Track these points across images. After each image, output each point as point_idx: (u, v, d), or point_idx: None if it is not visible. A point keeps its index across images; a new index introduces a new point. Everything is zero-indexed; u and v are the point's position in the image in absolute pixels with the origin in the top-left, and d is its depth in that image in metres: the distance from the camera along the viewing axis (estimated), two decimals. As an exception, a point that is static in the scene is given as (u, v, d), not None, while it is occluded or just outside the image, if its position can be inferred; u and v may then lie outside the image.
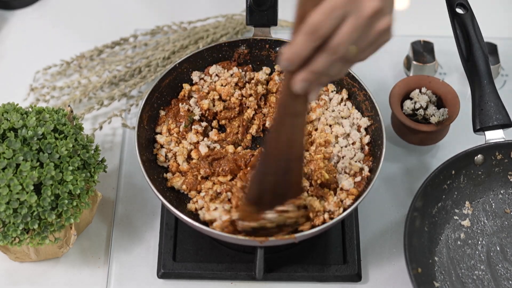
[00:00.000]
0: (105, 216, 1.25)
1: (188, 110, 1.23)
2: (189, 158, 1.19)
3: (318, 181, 1.13)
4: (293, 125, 0.99)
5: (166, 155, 1.19)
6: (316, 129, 1.21)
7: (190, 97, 1.24)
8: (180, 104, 1.23)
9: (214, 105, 1.24)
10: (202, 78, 1.26)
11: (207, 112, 1.23)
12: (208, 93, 1.24)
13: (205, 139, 1.21)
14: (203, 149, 1.18)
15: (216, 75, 1.26)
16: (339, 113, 1.23)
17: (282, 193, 1.06)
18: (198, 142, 1.20)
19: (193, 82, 1.26)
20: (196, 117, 1.22)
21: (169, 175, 1.17)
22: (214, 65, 1.26)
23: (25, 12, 1.52)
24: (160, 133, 1.22)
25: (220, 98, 1.24)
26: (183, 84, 1.25)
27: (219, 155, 1.17)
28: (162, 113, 1.23)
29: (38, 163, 1.07)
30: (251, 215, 1.06)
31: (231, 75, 1.26)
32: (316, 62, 0.88)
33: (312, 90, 0.93)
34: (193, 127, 1.22)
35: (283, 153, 1.02)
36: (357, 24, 0.85)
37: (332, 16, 0.85)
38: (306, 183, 1.14)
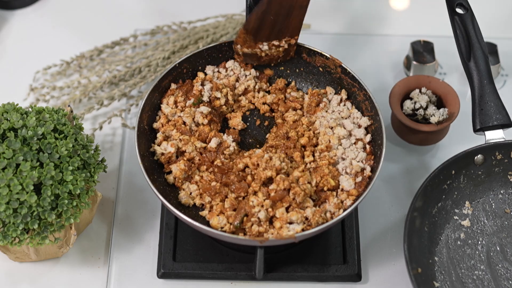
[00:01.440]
0: (105, 216, 1.25)
1: (201, 92, 1.23)
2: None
3: (325, 188, 1.13)
4: None
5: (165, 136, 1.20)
6: (318, 133, 1.21)
7: (203, 84, 1.25)
8: (196, 83, 1.24)
9: (226, 101, 1.24)
10: (218, 71, 1.27)
11: (214, 102, 1.23)
12: (222, 88, 1.24)
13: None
14: (214, 144, 1.18)
15: (232, 70, 1.27)
16: (339, 113, 1.23)
17: (279, 31, 1.21)
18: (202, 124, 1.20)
19: (206, 74, 1.27)
20: (205, 99, 1.22)
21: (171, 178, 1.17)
22: (231, 61, 1.27)
23: (25, 12, 1.52)
24: (167, 104, 1.22)
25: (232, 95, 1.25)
26: (198, 73, 1.26)
27: (226, 167, 1.16)
28: (174, 86, 1.24)
29: (38, 163, 1.07)
30: (247, 42, 1.22)
31: (246, 76, 1.27)
32: None
33: None
34: (198, 109, 1.21)
35: (288, 0, 1.17)
36: None
37: None
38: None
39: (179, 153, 1.18)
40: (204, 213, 1.14)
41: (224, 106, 1.24)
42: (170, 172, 1.17)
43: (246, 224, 1.10)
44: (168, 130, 1.19)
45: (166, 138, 1.19)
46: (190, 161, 1.16)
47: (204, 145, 1.18)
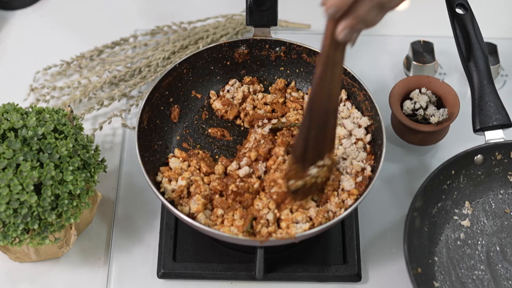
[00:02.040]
0: (105, 216, 1.25)
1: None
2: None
3: (326, 190, 1.14)
4: (333, 75, 1.01)
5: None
6: None
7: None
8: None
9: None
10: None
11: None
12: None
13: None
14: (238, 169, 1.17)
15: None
16: (339, 113, 1.23)
17: (321, 147, 1.08)
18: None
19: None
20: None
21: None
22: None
23: (25, 12, 1.52)
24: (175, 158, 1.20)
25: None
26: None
27: (242, 190, 1.15)
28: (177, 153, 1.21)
29: (38, 163, 1.07)
30: (297, 173, 1.08)
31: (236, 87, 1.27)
32: (359, 7, 0.93)
33: (352, 37, 0.96)
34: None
35: (324, 106, 1.04)
36: None
37: None
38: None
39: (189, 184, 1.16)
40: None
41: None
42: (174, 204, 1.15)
43: (256, 227, 1.10)
44: (173, 176, 1.17)
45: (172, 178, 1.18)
46: (205, 197, 1.14)
47: (215, 176, 1.17)
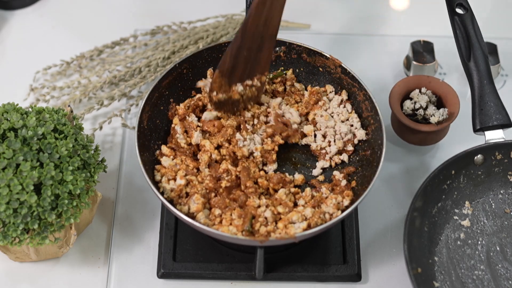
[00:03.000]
0: (105, 216, 1.25)
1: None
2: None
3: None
4: (272, 3, 1.11)
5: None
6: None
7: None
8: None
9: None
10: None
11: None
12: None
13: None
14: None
15: None
16: (338, 115, 1.23)
17: (252, 68, 1.17)
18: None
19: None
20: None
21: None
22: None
23: (25, 12, 1.52)
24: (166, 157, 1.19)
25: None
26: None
27: (232, 183, 1.16)
28: (164, 149, 1.20)
29: (38, 163, 1.07)
30: (222, 87, 1.17)
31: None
32: None
33: None
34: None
35: (260, 31, 1.13)
36: None
37: None
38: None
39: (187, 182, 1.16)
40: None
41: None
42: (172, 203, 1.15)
43: (255, 226, 1.10)
44: (169, 174, 1.17)
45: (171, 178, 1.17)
46: (204, 196, 1.14)
47: (205, 173, 1.16)
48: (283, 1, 1.11)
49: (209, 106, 1.23)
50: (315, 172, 1.20)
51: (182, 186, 1.14)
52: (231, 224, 1.11)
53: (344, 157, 1.20)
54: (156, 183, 1.15)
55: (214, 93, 1.18)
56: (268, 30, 1.14)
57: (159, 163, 1.18)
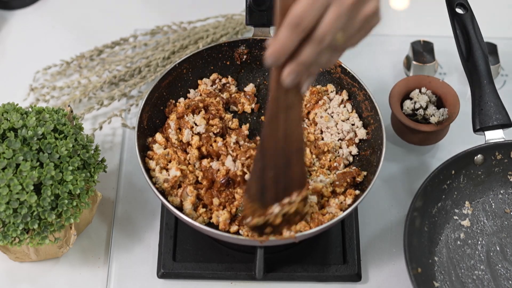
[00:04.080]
0: (105, 216, 1.25)
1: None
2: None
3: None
4: (287, 118, 0.97)
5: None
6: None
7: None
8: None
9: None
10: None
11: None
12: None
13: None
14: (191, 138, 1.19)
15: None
16: (338, 115, 1.23)
17: (285, 187, 1.04)
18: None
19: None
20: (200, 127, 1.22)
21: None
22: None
23: (25, 12, 1.52)
24: (159, 145, 1.19)
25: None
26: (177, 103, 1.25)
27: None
28: (159, 136, 1.20)
29: (38, 163, 1.07)
30: (255, 211, 1.05)
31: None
32: (303, 53, 0.86)
33: (303, 81, 0.91)
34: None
35: (281, 147, 1.00)
36: (341, 11, 0.84)
37: (314, 6, 0.83)
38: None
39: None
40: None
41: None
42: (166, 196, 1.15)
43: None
44: (162, 161, 1.17)
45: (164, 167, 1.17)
46: (196, 188, 1.15)
47: (204, 165, 1.17)
48: (298, 112, 0.97)
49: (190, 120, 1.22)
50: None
51: (177, 178, 1.13)
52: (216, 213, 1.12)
53: (349, 157, 1.20)
54: (155, 183, 1.15)
55: (249, 219, 1.05)
56: (291, 145, 1.00)
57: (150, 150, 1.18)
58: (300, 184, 1.05)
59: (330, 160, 1.18)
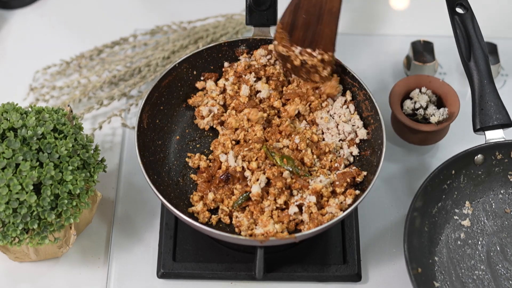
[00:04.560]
0: (105, 216, 1.25)
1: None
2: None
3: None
4: None
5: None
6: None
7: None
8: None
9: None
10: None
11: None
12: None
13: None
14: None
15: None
16: (340, 116, 1.23)
17: (313, 39, 1.19)
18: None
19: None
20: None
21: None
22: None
23: (25, 12, 1.52)
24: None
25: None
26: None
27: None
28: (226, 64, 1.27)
29: (37, 163, 1.07)
30: (283, 39, 1.20)
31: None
32: None
33: None
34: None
35: (318, 0, 1.17)
36: None
37: None
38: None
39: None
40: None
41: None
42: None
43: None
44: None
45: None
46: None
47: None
48: None
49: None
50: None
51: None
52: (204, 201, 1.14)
53: (350, 157, 1.20)
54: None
55: (276, 42, 1.21)
56: (327, 3, 1.17)
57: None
58: (326, 46, 1.20)
59: (331, 161, 1.18)
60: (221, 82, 1.26)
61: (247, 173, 1.15)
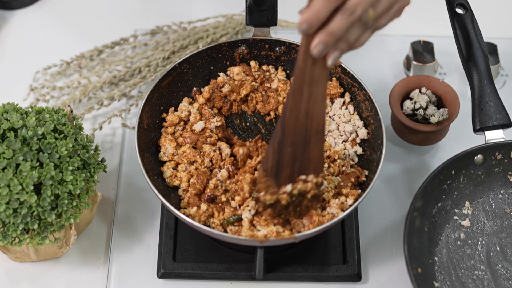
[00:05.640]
0: (105, 216, 1.25)
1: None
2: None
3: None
4: (311, 93, 0.97)
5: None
6: None
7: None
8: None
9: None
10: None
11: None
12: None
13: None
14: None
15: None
16: (339, 117, 1.23)
17: (301, 167, 1.04)
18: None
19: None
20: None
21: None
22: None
23: (25, 12, 1.52)
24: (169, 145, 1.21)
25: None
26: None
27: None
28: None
29: (38, 163, 1.07)
30: (268, 187, 1.06)
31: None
32: (334, 23, 0.89)
33: (330, 55, 0.93)
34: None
35: (301, 124, 1.00)
36: None
37: None
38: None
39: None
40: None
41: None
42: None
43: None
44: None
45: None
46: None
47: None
48: (323, 89, 0.98)
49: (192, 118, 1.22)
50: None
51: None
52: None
53: (355, 158, 1.20)
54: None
55: (262, 194, 1.07)
56: (312, 123, 1.01)
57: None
58: (316, 169, 1.05)
59: (338, 166, 1.18)
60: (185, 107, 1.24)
61: (233, 203, 1.14)
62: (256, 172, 1.14)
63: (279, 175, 1.05)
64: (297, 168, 1.04)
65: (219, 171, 1.16)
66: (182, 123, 1.22)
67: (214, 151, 1.18)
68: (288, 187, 1.05)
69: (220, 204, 1.13)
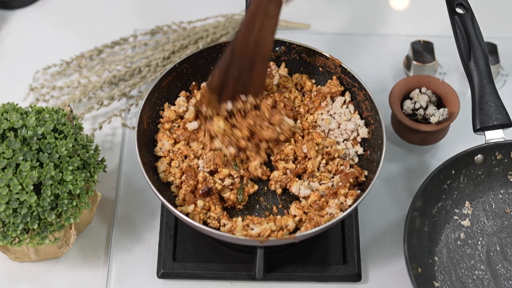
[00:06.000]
0: (105, 216, 1.25)
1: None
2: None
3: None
4: (263, 25, 1.10)
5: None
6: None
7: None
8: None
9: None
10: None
11: None
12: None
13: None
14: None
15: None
16: (340, 116, 1.23)
17: (244, 88, 1.16)
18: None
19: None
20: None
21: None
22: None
23: (25, 12, 1.52)
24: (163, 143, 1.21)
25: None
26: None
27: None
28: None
29: (38, 163, 1.07)
30: (212, 102, 1.16)
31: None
32: None
33: None
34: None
35: (250, 51, 1.13)
36: None
37: None
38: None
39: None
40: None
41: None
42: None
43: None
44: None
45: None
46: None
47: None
48: (274, 22, 1.10)
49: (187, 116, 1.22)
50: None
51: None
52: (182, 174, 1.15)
53: (355, 158, 1.20)
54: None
55: (203, 107, 1.17)
56: (260, 51, 1.14)
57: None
58: (256, 91, 1.18)
59: (337, 165, 1.18)
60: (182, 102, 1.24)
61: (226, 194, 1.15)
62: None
63: (222, 92, 1.16)
64: (239, 89, 1.16)
65: (200, 161, 1.17)
66: (179, 120, 1.22)
67: (202, 148, 1.18)
68: (229, 105, 1.16)
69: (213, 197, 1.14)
